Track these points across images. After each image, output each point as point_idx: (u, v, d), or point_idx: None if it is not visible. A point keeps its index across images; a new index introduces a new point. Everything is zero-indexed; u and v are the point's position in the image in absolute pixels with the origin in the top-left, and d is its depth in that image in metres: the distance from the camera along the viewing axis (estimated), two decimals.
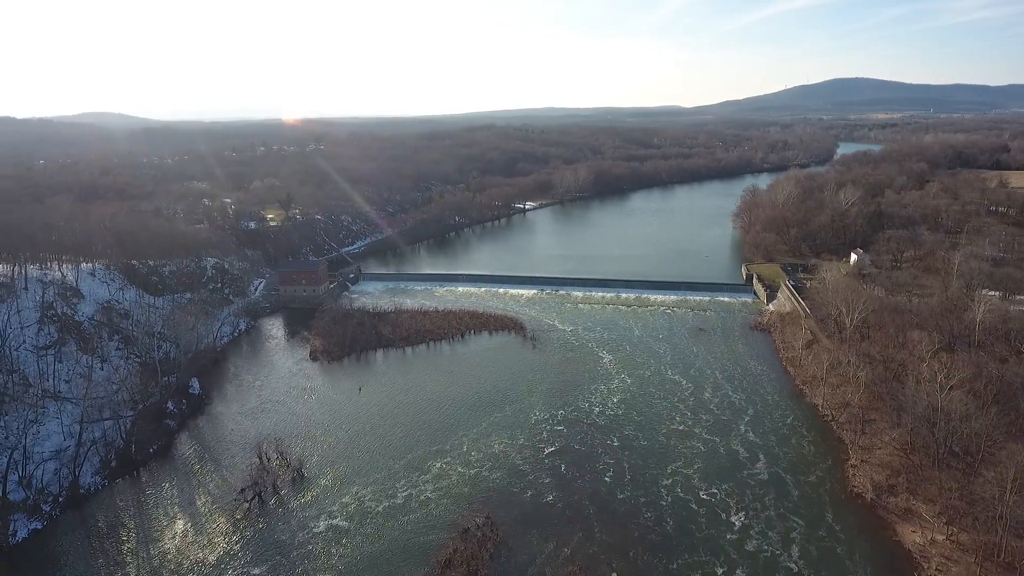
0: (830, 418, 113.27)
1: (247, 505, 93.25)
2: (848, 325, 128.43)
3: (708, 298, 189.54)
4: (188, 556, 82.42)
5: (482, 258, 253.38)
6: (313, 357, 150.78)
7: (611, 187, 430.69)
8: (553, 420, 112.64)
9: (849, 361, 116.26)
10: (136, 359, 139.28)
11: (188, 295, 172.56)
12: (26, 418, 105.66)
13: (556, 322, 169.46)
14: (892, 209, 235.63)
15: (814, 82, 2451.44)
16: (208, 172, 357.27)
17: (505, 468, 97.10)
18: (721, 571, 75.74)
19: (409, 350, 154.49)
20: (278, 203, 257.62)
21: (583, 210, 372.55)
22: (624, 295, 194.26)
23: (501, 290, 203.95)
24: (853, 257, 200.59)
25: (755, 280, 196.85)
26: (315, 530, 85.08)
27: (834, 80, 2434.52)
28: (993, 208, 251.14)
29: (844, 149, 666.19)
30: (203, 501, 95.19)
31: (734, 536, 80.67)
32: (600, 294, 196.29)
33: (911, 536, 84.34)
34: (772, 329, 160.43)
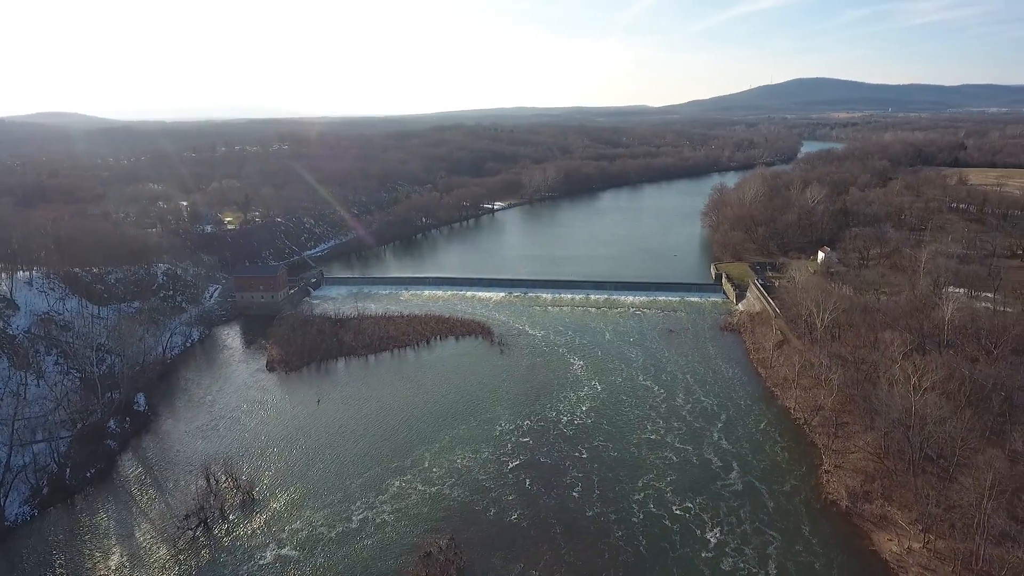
0: (802, 421, 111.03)
1: (191, 533, 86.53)
2: (819, 326, 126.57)
3: (678, 298, 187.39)
4: None
5: (450, 260, 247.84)
6: (270, 367, 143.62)
7: (580, 186, 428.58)
8: (519, 431, 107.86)
9: (821, 363, 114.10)
10: (77, 374, 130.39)
11: (137, 304, 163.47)
12: None
13: (525, 326, 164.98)
14: (857, 207, 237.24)
15: (778, 82, 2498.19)
16: (164, 173, 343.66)
17: (468, 485, 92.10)
18: None
19: (372, 358, 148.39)
20: (236, 205, 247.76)
21: (552, 210, 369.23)
22: (594, 296, 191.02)
23: (469, 293, 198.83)
24: (820, 255, 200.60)
25: (724, 279, 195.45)
26: (261, 562, 78.87)
27: (797, 80, 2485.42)
28: (954, 205, 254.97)
29: (808, 147, 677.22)
30: (143, 530, 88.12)
31: (709, 554, 76.97)
32: (569, 296, 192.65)
33: (888, 545, 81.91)
34: (742, 329, 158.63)
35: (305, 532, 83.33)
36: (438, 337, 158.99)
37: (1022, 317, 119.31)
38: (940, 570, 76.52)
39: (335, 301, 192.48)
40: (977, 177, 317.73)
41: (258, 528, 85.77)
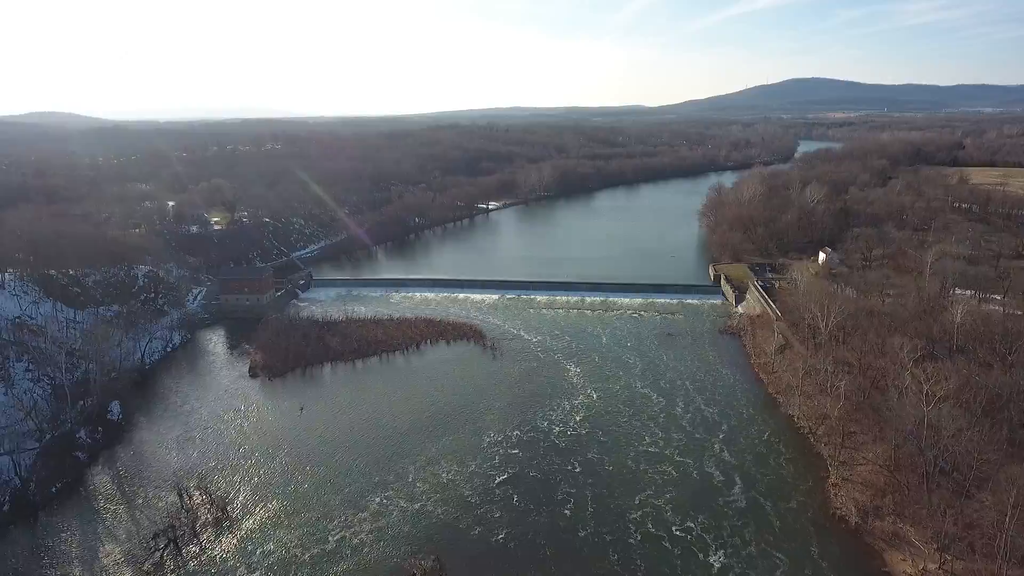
0: (807, 431, 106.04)
1: (159, 555, 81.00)
2: (823, 330, 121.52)
3: (676, 300, 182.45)
4: None
5: (443, 261, 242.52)
6: (252, 374, 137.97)
7: (576, 186, 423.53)
8: (507, 442, 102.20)
9: (826, 370, 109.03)
10: (48, 382, 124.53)
11: (115, 307, 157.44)
12: None
13: (518, 330, 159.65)
14: (858, 206, 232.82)
15: (773, 82, 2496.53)
16: (154, 173, 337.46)
17: (452, 501, 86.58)
18: None
19: (360, 363, 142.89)
20: (223, 205, 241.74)
21: (548, 210, 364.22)
22: (590, 299, 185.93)
23: (461, 295, 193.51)
24: (822, 256, 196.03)
25: (723, 281, 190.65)
26: None
27: (792, 80, 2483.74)
28: (956, 205, 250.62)
29: (804, 147, 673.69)
30: (108, 550, 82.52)
31: None
32: (565, 298, 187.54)
33: (901, 565, 76.98)
34: (742, 333, 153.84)
35: (278, 554, 77.80)
36: (428, 341, 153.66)
37: None
38: None
39: (323, 304, 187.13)
40: (978, 176, 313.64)
41: (229, 549, 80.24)
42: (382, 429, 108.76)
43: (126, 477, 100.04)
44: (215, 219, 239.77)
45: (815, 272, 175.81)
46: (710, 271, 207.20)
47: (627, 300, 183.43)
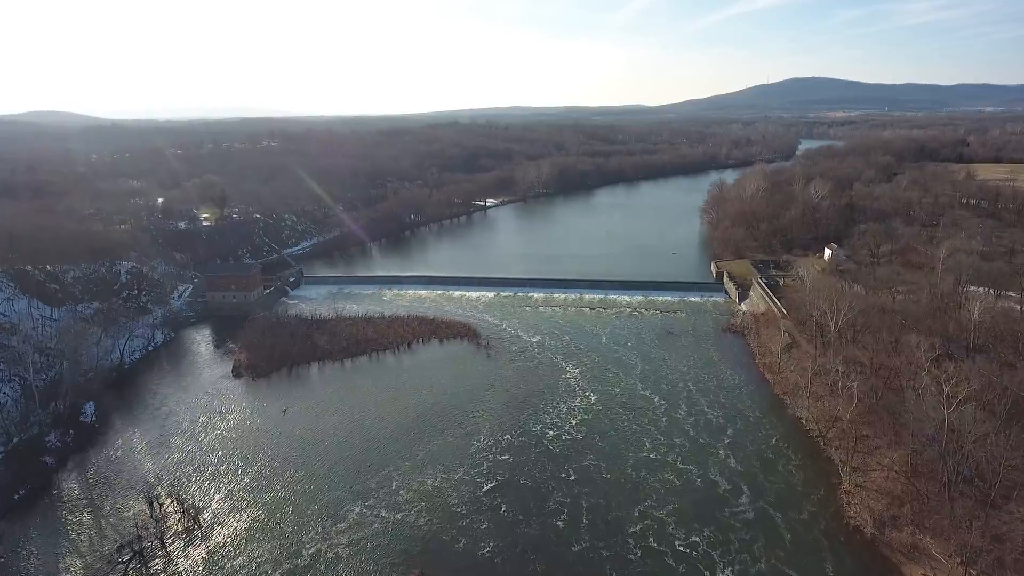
0: (816, 434, 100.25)
1: (122, 568, 75.21)
2: (832, 328, 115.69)
3: (677, 298, 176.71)
4: None
5: (439, 258, 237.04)
6: (236, 374, 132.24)
7: (575, 183, 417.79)
8: (497, 447, 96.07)
9: (836, 370, 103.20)
10: (19, 382, 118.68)
11: (95, 304, 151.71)
12: None
13: (514, 328, 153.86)
14: (864, 202, 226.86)
15: (773, 82, 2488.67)
16: (146, 170, 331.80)
17: (437, 510, 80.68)
18: None
19: (348, 363, 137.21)
20: (211, 200, 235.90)
21: (546, 207, 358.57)
22: (588, 296, 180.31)
23: (456, 293, 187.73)
24: (827, 252, 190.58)
25: (726, 278, 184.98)
26: None
27: (792, 80, 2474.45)
28: (965, 201, 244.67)
29: (805, 145, 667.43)
30: (68, 563, 76.83)
31: None
32: (563, 296, 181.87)
33: None
34: (746, 332, 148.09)
35: (247, 570, 71.94)
36: (420, 340, 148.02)
37: None
38: None
39: (313, 301, 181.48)
40: (985, 172, 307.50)
41: (197, 563, 74.46)
42: (367, 432, 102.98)
43: (95, 483, 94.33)
44: (205, 215, 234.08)
45: (821, 269, 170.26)
46: (712, 268, 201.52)
47: (627, 298, 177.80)
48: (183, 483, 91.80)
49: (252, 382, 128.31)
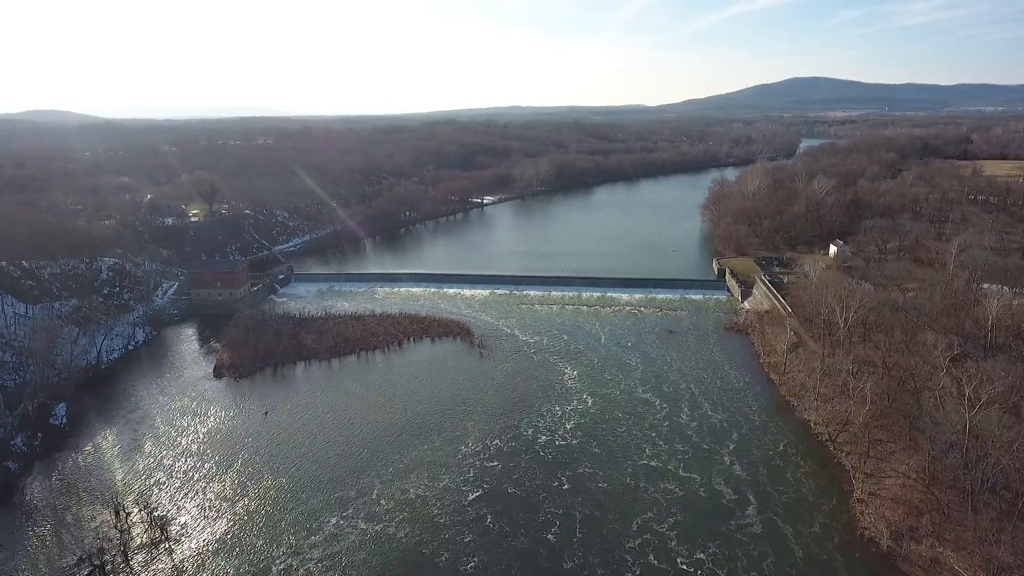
0: (826, 438, 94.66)
1: None
2: (841, 326, 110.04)
3: (678, 296, 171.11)
4: None
5: (434, 256, 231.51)
6: (218, 374, 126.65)
7: (574, 181, 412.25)
8: (485, 453, 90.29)
9: (847, 370, 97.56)
10: None
11: (73, 302, 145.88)
12: None
13: (509, 327, 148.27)
14: (869, 198, 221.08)
15: (773, 81, 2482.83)
16: (137, 166, 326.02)
17: (419, 521, 74.96)
18: None
19: (336, 362, 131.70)
20: (199, 195, 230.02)
21: (544, 205, 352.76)
22: (586, 294, 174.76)
23: (451, 291, 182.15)
24: (832, 249, 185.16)
25: (728, 275, 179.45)
26: None
27: (793, 79, 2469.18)
28: (973, 196, 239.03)
29: (807, 144, 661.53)
30: None
31: None
32: (560, 293, 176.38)
33: None
34: (750, 330, 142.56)
35: None
36: (411, 339, 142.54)
37: None
38: None
39: (303, 299, 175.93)
40: (992, 169, 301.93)
41: None
42: (351, 436, 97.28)
43: (60, 490, 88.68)
44: (194, 211, 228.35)
45: (826, 266, 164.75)
46: (714, 265, 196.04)
47: (626, 296, 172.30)
48: (153, 491, 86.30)
49: (234, 383, 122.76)
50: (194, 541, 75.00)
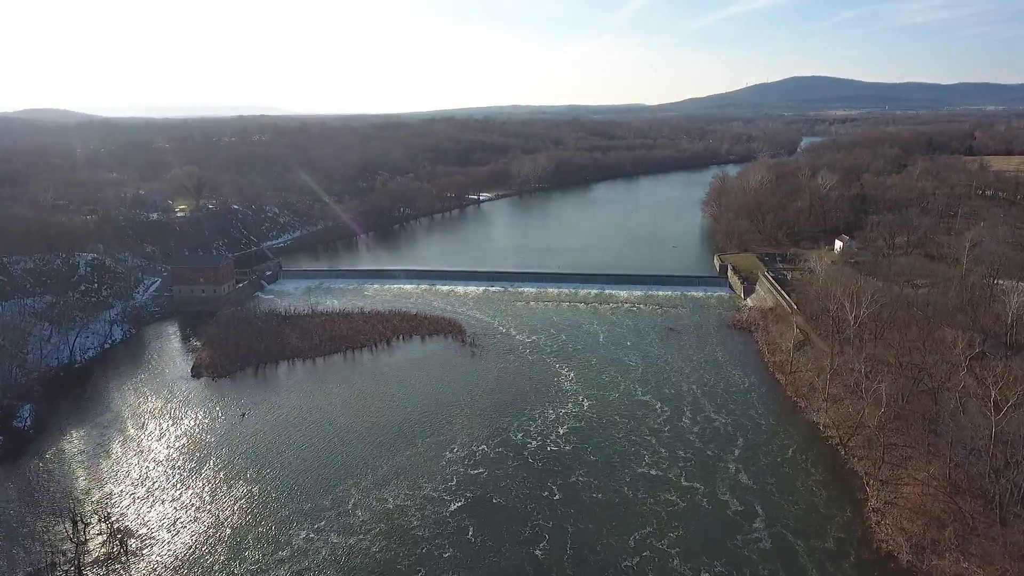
0: (837, 442, 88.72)
1: None
2: (852, 323, 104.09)
3: (678, 293, 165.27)
4: None
5: (428, 252, 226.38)
6: (196, 374, 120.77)
7: (573, 177, 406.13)
8: (470, 459, 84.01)
9: (858, 369, 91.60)
10: None
11: (48, 298, 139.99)
12: None
13: (503, 325, 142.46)
14: (875, 192, 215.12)
15: (773, 80, 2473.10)
16: (125, 161, 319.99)
17: (395, 534, 68.84)
18: None
19: (320, 361, 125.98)
20: (185, 189, 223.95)
21: (542, 201, 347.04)
22: (583, 291, 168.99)
23: (444, 287, 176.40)
24: (838, 244, 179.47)
25: (730, 272, 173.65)
26: None
27: (793, 79, 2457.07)
28: (981, 191, 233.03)
29: (808, 142, 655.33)
30: None
31: None
32: (556, 290, 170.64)
33: None
34: (753, 328, 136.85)
35: None
36: (401, 337, 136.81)
37: None
38: None
39: (291, 296, 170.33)
40: (999, 164, 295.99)
41: None
42: (329, 441, 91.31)
43: (17, 498, 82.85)
44: (181, 206, 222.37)
45: (831, 262, 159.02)
46: (715, 261, 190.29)
47: (624, 293, 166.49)
48: (116, 499, 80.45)
49: (212, 383, 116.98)
50: (154, 555, 69.10)
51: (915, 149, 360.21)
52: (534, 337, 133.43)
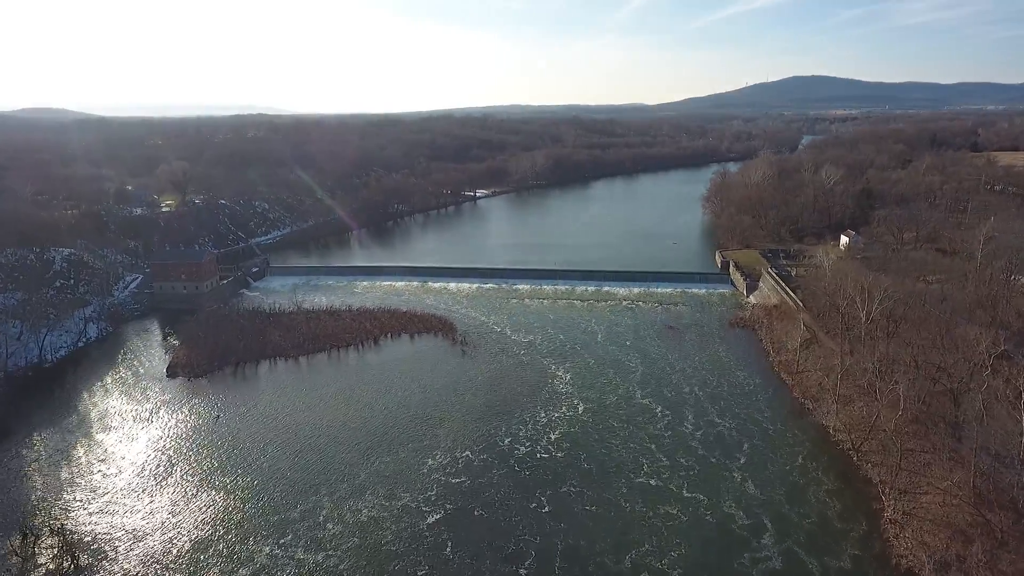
0: (849, 447, 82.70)
1: None
2: (863, 320, 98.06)
3: (678, 290, 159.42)
4: None
5: (423, 248, 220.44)
6: (171, 373, 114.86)
7: (571, 174, 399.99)
8: (453, 467, 77.94)
9: (874, 369, 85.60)
10: None
11: (20, 295, 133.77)
12: None
13: (497, 323, 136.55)
14: (882, 187, 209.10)
15: (773, 80, 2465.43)
16: (114, 156, 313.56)
17: (367, 549, 62.95)
18: None
19: (304, 360, 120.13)
20: (171, 184, 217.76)
21: (540, 198, 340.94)
22: (581, 288, 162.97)
23: (437, 284, 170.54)
24: (843, 240, 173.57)
25: (732, 268, 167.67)
26: None
27: (793, 78, 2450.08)
28: (990, 186, 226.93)
29: (808, 141, 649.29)
30: None
31: None
32: (552, 287, 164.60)
33: None
34: (756, 326, 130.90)
35: None
36: (389, 336, 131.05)
37: None
38: None
39: (277, 293, 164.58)
40: (1006, 159, 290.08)
41: None
42: (305, 446, 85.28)
43: None
44: (167, 201, 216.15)
45: (837, 257, 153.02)
46: (717, 258, 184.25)
47: (623, 290, 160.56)
48: (72, 510, 74.44)
49: (188, 383, 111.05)
50: (106, 572, 62.98)
51: (919, 145, 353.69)
52: (529, 336, 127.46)
